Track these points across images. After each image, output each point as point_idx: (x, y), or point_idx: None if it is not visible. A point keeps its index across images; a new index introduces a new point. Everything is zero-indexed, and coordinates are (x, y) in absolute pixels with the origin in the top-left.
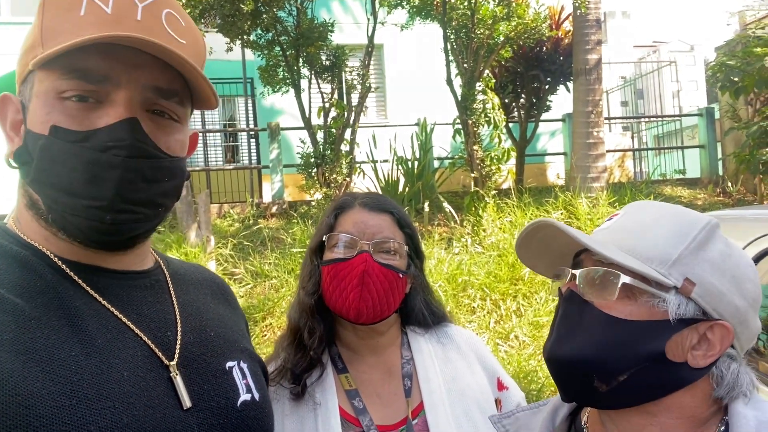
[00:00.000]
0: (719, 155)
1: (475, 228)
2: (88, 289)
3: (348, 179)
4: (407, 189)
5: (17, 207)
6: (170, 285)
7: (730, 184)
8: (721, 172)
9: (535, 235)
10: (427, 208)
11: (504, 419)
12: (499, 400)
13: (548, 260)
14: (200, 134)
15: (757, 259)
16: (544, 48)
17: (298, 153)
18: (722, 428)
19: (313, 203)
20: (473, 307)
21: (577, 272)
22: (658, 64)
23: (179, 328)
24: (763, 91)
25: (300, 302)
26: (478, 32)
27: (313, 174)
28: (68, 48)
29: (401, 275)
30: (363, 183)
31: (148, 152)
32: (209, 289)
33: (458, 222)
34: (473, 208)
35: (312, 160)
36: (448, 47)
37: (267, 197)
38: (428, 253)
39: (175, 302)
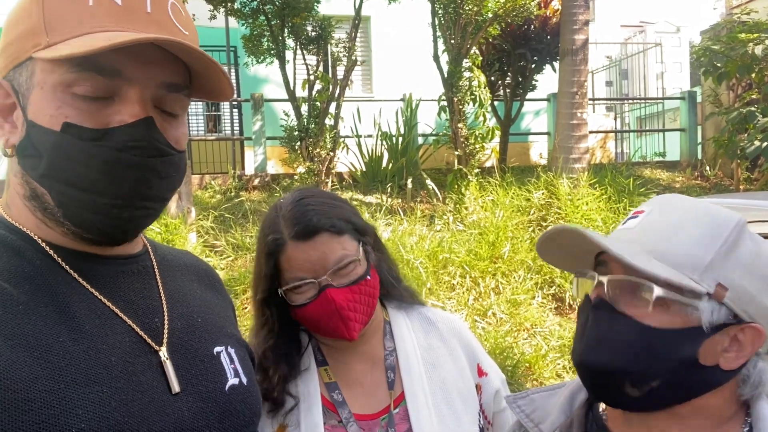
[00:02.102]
0: (699, 139)
1: (457, 206)
2: (76, 275)
3: (332, 154)
4: (391, 165)
5: (9, 194)
6: (157, 271)
7: (708, 168)
8: (700, 156)
9: (555, 239)
10: (410, 185)
11: (519, 400)
12: (479, 386)
13: (569, 258)
14: None
15: None
16: (532, 26)
17: (281, 126)
18: (746, 429)
19: (296, 177)
20: (453, 284)
21: (605, 280)
22: (644, 45)
23: (166, 315)
24: (744, 77)
25: (258, 344)
26: (467, 8)
27: (296, 147)
28: (101, 50)
29: (368, 277)
30: (347, 158)
31: (164, 150)
32: (196, 276)
33: (441, 199)
34: (456, 186)
35: (296, 133)
36: (436, 22)
37: (249, 169)
38: (410, 230)
39: (161, 288)
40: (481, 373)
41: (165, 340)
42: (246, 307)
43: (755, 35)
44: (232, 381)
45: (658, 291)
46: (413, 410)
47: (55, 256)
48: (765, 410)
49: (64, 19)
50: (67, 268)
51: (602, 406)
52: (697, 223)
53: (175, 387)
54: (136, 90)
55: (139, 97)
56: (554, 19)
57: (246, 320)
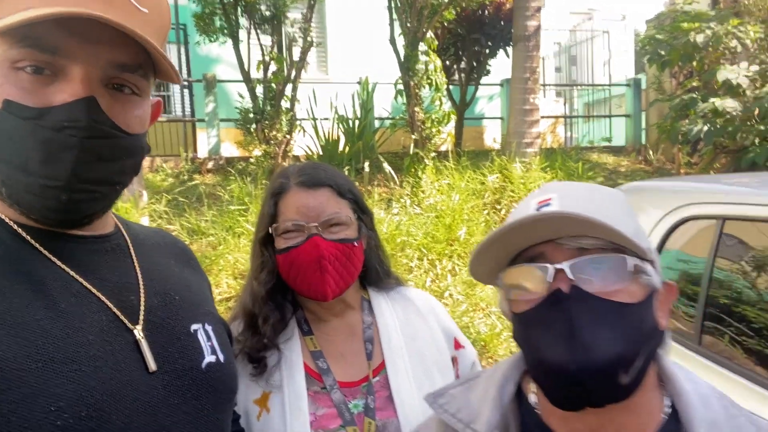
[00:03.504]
0: (643, 125)
1: (414, 189)
2: (49, 255)
3: (288, 136)
4: (347, 148)
5: None
6: (132, 249)
7: (651, 152)
8: (644, 141)
9: (499, 240)
10: (367, 168)
11: (439, 398)
12: (455, 358)
13: (494, 267)
14: None
15: (674, 227)
16: (486, 12)
17: (236, 107)
18: (668, 404)
19: (252, 160)
20: (411, 266)
21: (566, 265)
22: (592, 32)
23: (143, 292)
24: (686, 65)
25: (253, 291)
26: None
27: (252, 130)
28: (19, 23)
29: (355, 243)
30: (303, 140)
31: (106, 132)
32: (172, 254)
33: (398, 183)
34: (413, 170)
35: (251, 115)
36: (392, 5)
37: (202, 152)
38: None
39: (137, 266)
40: (458, 346)
41: (141, 318)
42: None
43: (697, 24)
44: (209, 358)
45: (632, 262)
46: (393, 378)
47: (27, 237)
48: (673, 368)
49: None
50: (40, 248)
51: (533, 398)
52: (607, 199)
53: (152, 365)
54: (80, 68)
55: (83, 76)
56: (507, 5)
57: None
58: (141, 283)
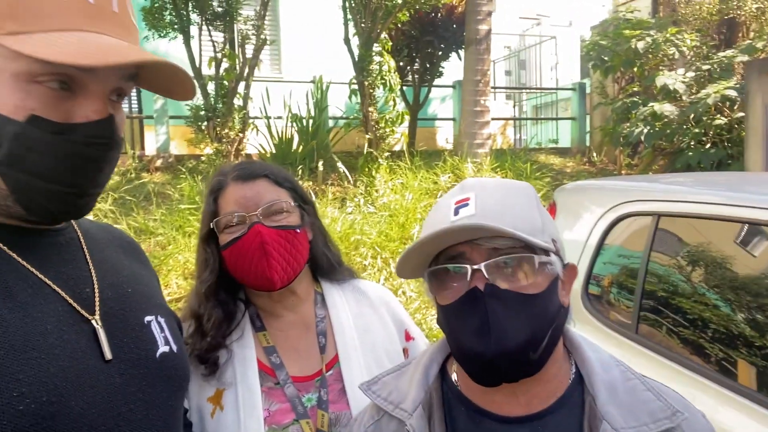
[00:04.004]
0: (588, 128)
1: (368, 188)
2: (5, 248)
3: (241, 135)
4: (301, 147)
5: None
6: (83, 243)
7: (595, 154)
8: (588, 143)
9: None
10: (321, 168)
11: (372, 386)
12: (406, 350)
13: (419, 267)
14: None
15: (614, 224)
16: (440, 15)
17: (186, 104)
18: (573, 370)
19: (203, 158)
20: (365, 264)
21: (482, 266)
22: (540, 38)
23: (96, 284)
24: (628, 71)
25: (196, 291)
26: None
27: (203, 128)
28: (80, 65)
29: (298, 230)
30: (256, 139)
31: (120, 144)
32: (121, 248)
33: (351, 182)
34: (366, 169)
35: (202, 113)
36: (347, 5)
37: (150, 149)
38: (322, 212)
39: (89, 259)
40: (408, 337)
41: (97, 309)
42: None
43: (638, 32)
44: (163, 348)
45: (537, 258)
46: (346, 371)
47: None
48: (578, 339)
49: (35, 9)
50: None
51: (454, 376)
52: (517, 195)
53: (108, 354)
54: (99, 85)
55: (102, 92)
56: (460, 9)
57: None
58: (94, 275)
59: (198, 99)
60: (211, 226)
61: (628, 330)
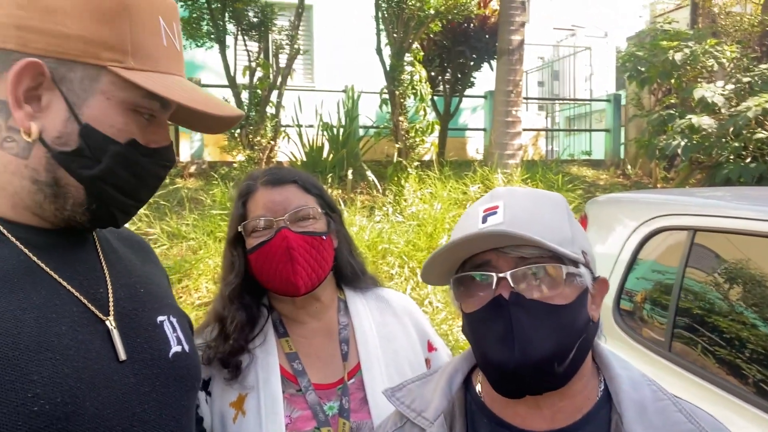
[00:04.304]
0: (622, 139)
1: (397, 198)
2: (22, 247)
3: (272, 142)
4: (331, 155)
5: None
6: (97, 243)
7: (629, 167)
8: (622, 156)
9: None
10: (350, 176)
11: (397, 392)
12: (428, 360)
13: (445, 273)
14: None
15: (648, 238)
16: (472, 25)
17: None
18: (602, 388)
19: (235, 165)
20: (392, 274)
21: (507, 274)
22: (575, 48)
23: (110, 285)
24: (665, 83)
25: (221, 294)
26: (410, 3)
27: (236, 135)
28: (203, 111)
29: (324, 237)
30: (288, 147)
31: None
32: (131, 248)
33: (380, 191)
34: (396, 178)
35: None
36: (379, 15)
37: (185, 156)
38: (350, 221)
39: (102, 260)
40: (431, 348)
41: (111, 310)
42: (181, 296)
43: (675, 43)
44: (176, 348)
45: (565, 269)
46: (368, 380)
47: (2, 228)
48: (608, 355)
49: (147, 52)
50: (13, 240)
51: (479, 387)
52: (546, 204)
53: (122, 355)
54: (164, 117)
55: (165, 123)
56: (492, 19)
57: (182, 309)
58: (107, 275)
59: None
60: (239, 230)
61: (660, 347)
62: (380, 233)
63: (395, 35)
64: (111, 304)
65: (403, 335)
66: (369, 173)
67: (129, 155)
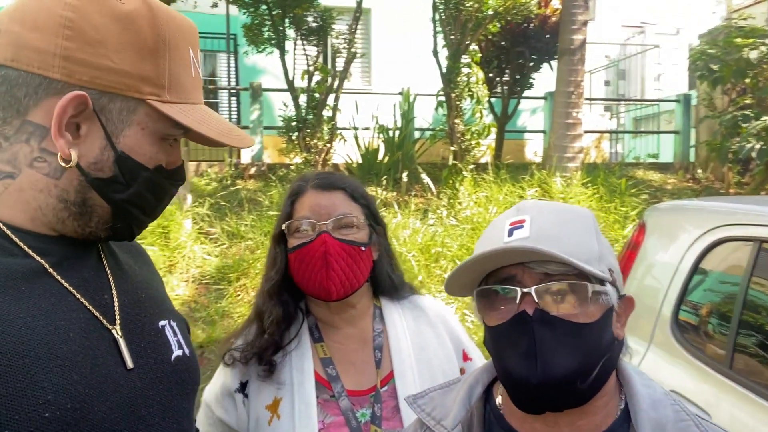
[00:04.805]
0: (692, 142)
1: (451, 201)
2: (34, 255)
3: (329, 145)
4: (387, 158)
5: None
6: (100, 249)
7: (700, 170)
8: (692, 159)
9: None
10: (405, 178)
11: (418, 399)
12: (463, 370)
13: (468, 285)
14: None
15: (712, 247)
16: (532, 25)
17: (279, 115)
18: (622, 406)
19: (292, 167)
20: (444, 277)
21: (532, 290)
22: (643, 47)
23: (114, 291)
24: (739, 82)
25: (261, 290)
26: (467, 5)
27: (293, 138)
28: (231, 145)
29: (363, 248)
30: (343, 149)
31: None
32: (129, 253)
33: (435, 194)
34: (450, 181)
35: (293, 123)
36: (436, 18)
37: (245, 158)
38: (403, 223)
39: (106, 266)
40: (466, 358)
41: (117, 317)
42: (239, 294)
43: (751, 40)
44: (177, 352)
45: (591, 287)
46: (401, 388)
47: (13, 237)
48: (638, 388)
49: (181, 83)
50: (24, 247)
51: (499, 399)
52: (574, 220)
53: (129, 363)
54: (179, 139)
55: (179, 144)
56: (553, 18)
57: (238, 307)
58: (111, 281)
59: (290, 110)
60: (283, 228)
61: (721, 364)
62: (433, 236)
63: (452, 37)
64: (117, 310)
65: (438, 344)
66: (424, 176)
67: (155, 180)
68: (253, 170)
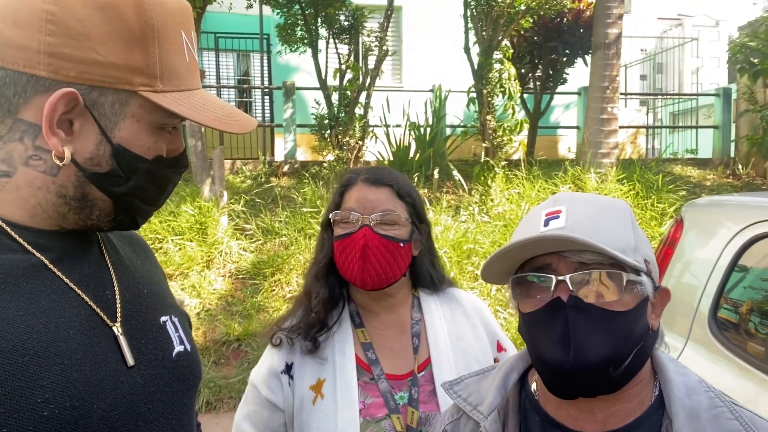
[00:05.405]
0: (732, 137)
1: (483, 197)
2: (34, 251)
3: (360, 142)
4: (418, 155)
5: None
6: (102, 243)
7: (740, 166)
8: (732, 154)
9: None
10: (436, 175)
11: (455, 386)
12: (497, 360)
13: (504, 273)
14: (215, 89)
15: (751, 243)
16: (565, 19)
17: (312, 113)
18: (656, 393)
19: (325, 164)
20: (476, 274)
21: (567, 278)
22: (681, 40)
23: (116, 287)
24: None
25: (309, 272)
26: (499, 0)
27: (326, 135)
28: (229, 132)
29: (402, 244)
30: (375, 147)
31: None
32: (131, 246)
33: (467, 190)
34: (482, 178)
35: (326, 121)
36: (468, 14)
37: (279, 156)
38: (435, 220)
39: (108, 261)
40: (500, 348)
41: (119, 314)
42: (274, 290)
43: None
44: (178, 348)
45: (626, 277)
46: (438, 373)
47: (12, 233)
48: (672, 376)
49: (174, 70)
50: (24, 243)
51: (534, 385)
52: (609, 211)
53: (130, 361)
54: (179, 125)
55: (179, 130)
56: (587, 13)
57: (273, 302)
58: (113, 277)
59: (323, 108)
60: (330, 217)
61: (761, 362)
62: (465, 233)
63: (484, 33)
64: (118, 307)
65: (473, 334)
66: (455, 172)
67: (156, 170)
68: (286, 168)
